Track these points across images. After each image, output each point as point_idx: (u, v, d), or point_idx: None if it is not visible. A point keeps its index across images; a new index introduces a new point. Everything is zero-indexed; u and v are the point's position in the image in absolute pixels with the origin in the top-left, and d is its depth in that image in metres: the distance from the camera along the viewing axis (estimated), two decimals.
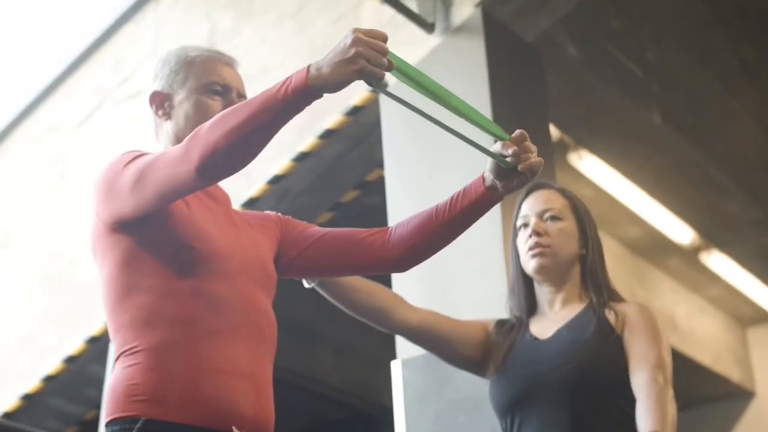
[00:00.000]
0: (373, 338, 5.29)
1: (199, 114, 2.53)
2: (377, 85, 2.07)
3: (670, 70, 6.77)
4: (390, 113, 5.12)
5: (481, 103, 4.70)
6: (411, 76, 2.14)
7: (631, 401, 2.85)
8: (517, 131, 2.33)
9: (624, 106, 6.75)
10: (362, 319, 3.06)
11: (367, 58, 2.02)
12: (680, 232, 8.54)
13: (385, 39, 2.07)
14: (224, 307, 2.36)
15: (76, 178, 6.56)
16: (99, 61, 6.75)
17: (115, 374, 2.35)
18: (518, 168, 2.32)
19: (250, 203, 5.67)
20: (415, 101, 2.19)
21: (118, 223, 2.37)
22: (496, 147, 2.34)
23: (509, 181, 2.37)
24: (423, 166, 4.72)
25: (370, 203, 5.91)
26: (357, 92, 5.32)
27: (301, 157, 5.55)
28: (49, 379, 6.34)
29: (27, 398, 6.41)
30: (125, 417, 2.27)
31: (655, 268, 9.25)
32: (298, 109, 2.11)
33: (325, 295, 2.96)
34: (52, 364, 6.28)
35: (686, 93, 6.98)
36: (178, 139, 2.52)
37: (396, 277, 4.78)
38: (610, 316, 2.96)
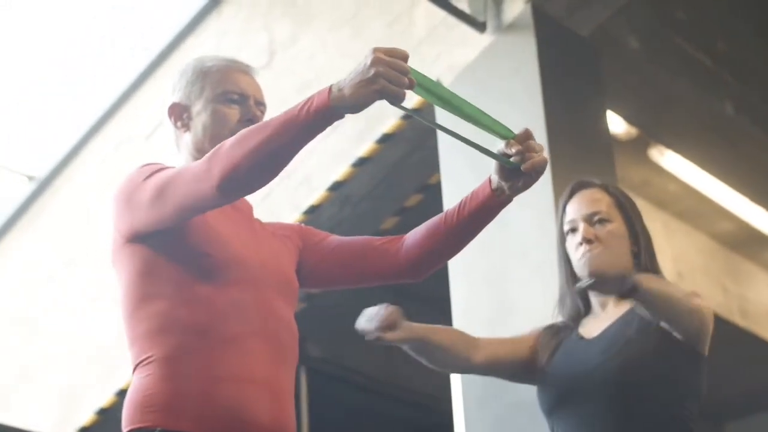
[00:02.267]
0: None
1: (217, 123, 2.53)
2: (398, 104, 2.06)
3: (743, 60, 6.63)
4: (445, 116, 5.07)
5: (533, 100, 4.65)
6: (432, 91, 2.14)
7: (678, 401, 2.79)
8: (522, 130, 2.27)
9: (693, 98, 6.63)
10: (444, 370, 3.12)
11: (387, 78, 2.02)
12: None
13: (405, 58, 2.07)
14: (240, 315, 2.36)
15: None
16: (165, 73, 6.80)
17: (132, 384, 2.36)
18: (521, 168, 2.26)
19: (311, 211, 5.66)
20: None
21: (136, 235, 2.38)
22: (500, 146, 2.28)
23: (515, 181, 2.33)
24: (478, 170, 4.67)
25: (436, 206, 5.87)
26: (413, 96, 5.28)
27: (361, 163, 5.53)
28: (121, 394, 6.39)
29: (102, 413, 6.47)
30: (141, 428, 2.28)
31: (749, 262, 9.06)
32: (319, 129, 2.12)
33: (417, 357, 2.97)
34: (125, 379, 6.33)
35: (761, 82, 6.82)
36: (197, 150, 2.53)
37: (453, 280, 4.74)
38: None
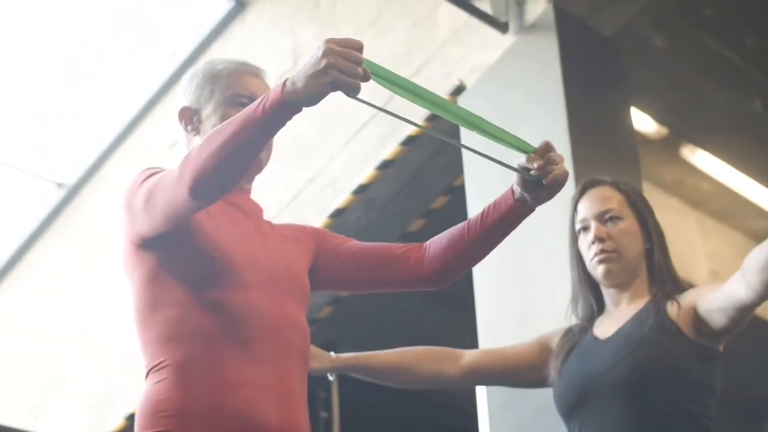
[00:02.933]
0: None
1: None
2: (353, 95, 2.02)
3: None
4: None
5: (556, 100, 4.63)
6: (391, 80, 2.07)
7: (694, 399, 2.77)
8: (542, 142, 2.25)
9: (721, 97, 6.59)
10: (422, 388, 3.14)
11: (339, 69, 1.98)
12: None
13: (359, 48, 2.02)
14: (248, 318, 2.35)
15: None
16: None
17: (144, 391, 2.36)
18: (543, 182, 2.25)
19: (337, 214, 5.66)
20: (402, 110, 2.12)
21: (142, 240, 2.39)
22: (521, 160, 2.27)
23: (537, 193, 2.29)
24: (502, 172, 4.66)
25: (462, 208, 5.86)
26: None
27: (385, 165, 5.52)
28: None
29: (131, 418, 6.49)
30: None
31: None
32: (278, 124, 2.10)
33: (375, 381, 3.03)
34: None
35: None
36: None
37: (477, 282, 4.73)
38: (672, 309, 2.87)
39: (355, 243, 2.63)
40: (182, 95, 2.63)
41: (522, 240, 4.52)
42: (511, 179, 2.32)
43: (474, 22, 5.15)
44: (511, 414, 4.29)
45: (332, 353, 3.01)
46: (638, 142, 6.79)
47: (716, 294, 2.78)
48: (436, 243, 2.51)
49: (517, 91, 4.85)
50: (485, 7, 5.09)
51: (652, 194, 7.62)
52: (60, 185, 7.65)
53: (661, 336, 2.81)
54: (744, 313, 2.74)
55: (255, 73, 2.63)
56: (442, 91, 5.20)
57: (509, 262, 4.56)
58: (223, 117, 2.52)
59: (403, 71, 5.40)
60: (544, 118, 4.67)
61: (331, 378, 3.02)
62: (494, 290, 4.61)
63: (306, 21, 6.26)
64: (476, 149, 2.28)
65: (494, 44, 5.09)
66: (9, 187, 7.82)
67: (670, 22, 5.95)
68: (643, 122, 6.79)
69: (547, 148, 2.25)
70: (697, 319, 2.83)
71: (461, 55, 5.26)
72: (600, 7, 5.04)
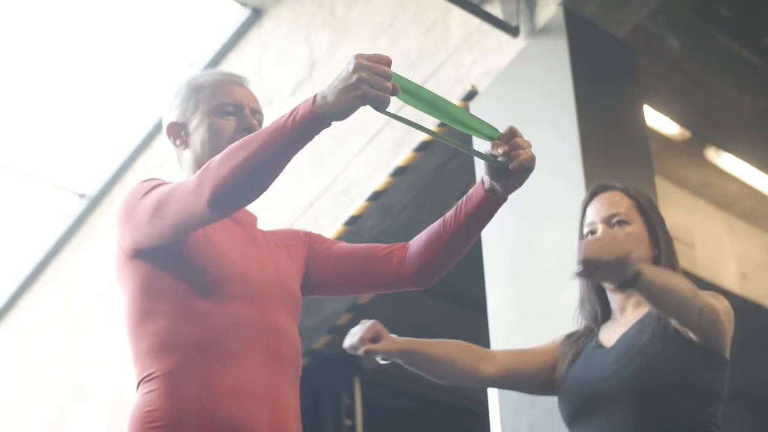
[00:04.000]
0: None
1: (214, 136, 2.55)
2: (382, 109, 2.06)
3: None
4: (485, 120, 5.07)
5: (566, 104, 4.61)
6: (417, 95, 2.13)
7: (698, 406, 2.75)
8: (507, 128, 2.24)
9: (740, 97, 6.55)
10: (451, 384, 3.06)
11: (370, 83, 2.02)
12: None
13: (388, 63, 2.07)
14: (239, 329, 2.36)
15: None
16: None
17: (135, 401, 2.38)
18: (509, 167, 2.24)
19: (352, 221, 5.65)
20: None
21: (137, 251, 2.40)
22: (487, 147, 2.26)
23: (507, 180, 2.30)
24: None
25: None
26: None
27: (399, 172, 5.51)
28: None
29: None
30: None
31: None
32: (306, 139, 2.13)
33: (416, 371, 2.94)
34: None
35: None
36: (198, 165, 2.53)
37: (489, 283, 4.72)
38: None
39: (343, 246, 2.65)
40: (168, 111, 2.65)
41: (533, 243, 4.54)
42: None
43: (486, 26, 5.14)
44: (522, 418, 4.28)
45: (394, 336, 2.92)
46: (661, 145, 6.80)
47: None
48: (416, 243, 2.52)
49: (529, 95, 4.84)
50: (496, 11, 5.07)
51: (679, 196, 7.60)
52: (82, 196, 7.67)
53: (663, 342, 2.78)
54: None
55: (238, 81, 2.64)
56: (455, 96, 5.19)
57: (524, 265, 4.56)
58: (211, 126, 2.55)
59: (417, 76, 5.41)
60: (555, 122, 4.65)
61: (384, 362, 2.90)
62: (508, 292, 4.60)
63: (321, 28, 6.26)
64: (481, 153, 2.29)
65: (506, 48, 5.08)
66: (31, 199, 7.86)
67: (686, 23, 5.93)
68: (665, 124, 6.76)
69: (512, 134, 2.25)
70: None
71: (473, 59, 5.24)
72: (611, 9, 5.02)
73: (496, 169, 2.28)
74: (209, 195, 2.18)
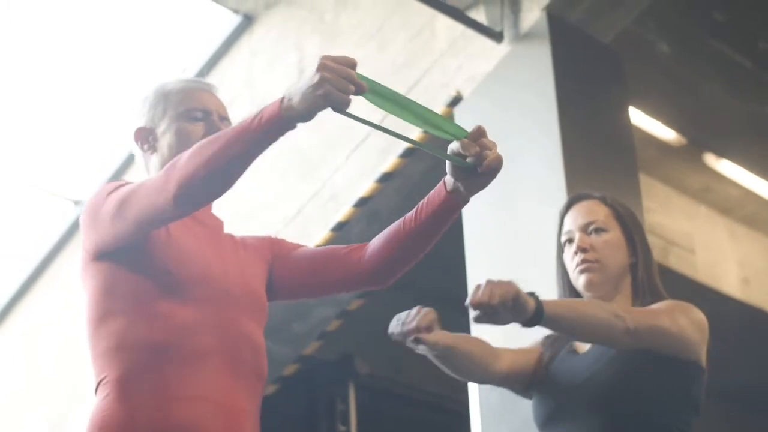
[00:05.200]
0: None
1: (182, 141, 2.53)
2: (342, 111, 2.06)
3: None
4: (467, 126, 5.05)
5: (548, 109, 4.59)
6: (383, 95, 2.12)
7: (671, 412, 2.74)
8: (474, 127, 2.22)
9: (733, 102, 6.52)
10: (465, 380, 3.03)
11: (332, 84, 2.02)
12: None
13: (353, 65, 2.06)
14: (197, 333, 2.35)
15: None
16: None
17: (93, 406, 2.36)
18: (478, 169, 2.22)
19: (339, 227, 5.64)
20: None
21: (101, 252, 2.39)
22: (454, 147, 2.23)
23: (472, 181, 2.27)
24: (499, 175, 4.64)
25: None
26: (435, 108, 5.26)
27: (386, 178, 5.51)
28: None
29: None
30: None
31: None
32: (272, 139, 2.14)
33: (440, 364, 2.85)
34: None
35: None
36: None
37: (472, 287, 4.69)
38: None
39: (305, 249, 2.65)
40: (135, 117, 2.64)
41: (517, 248, 4.52)
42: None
43: (470, 32, 5.13)
44: (503, 426, 4.27)
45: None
46: (661, 151, 6.78)
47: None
48: (375, 241, 2.51)
49: (513, 100, 4.82)
50: (481, 17, 5.06)
51: (679, 202, 7.57)
52: (77, 203, 7.69)
53: (634, 351, 2.76)
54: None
55: (206, 88, 2.64)
56: (440, 101, 5.18)
57: (520, 271, 4.54)
58: (179, 131, 2.54)
59: (404, 82, 5.41)
60: (538, 126, 4.64)
61: (421, 352, 2.76)
62: None
63: (311, 34, 6.27)
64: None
65: (491, 54, 5.07)
66: (27, 205, 7.88)
67: (675, 27, 5.90)
68: (662, 130, 6.74)
69: (479, 133, 2.23)
70: None
71: (458, 65, 5.23)
72: (598, 14, 5.00)
73: (461, 169, 2.26)
74: (175, 190, 2.19)
